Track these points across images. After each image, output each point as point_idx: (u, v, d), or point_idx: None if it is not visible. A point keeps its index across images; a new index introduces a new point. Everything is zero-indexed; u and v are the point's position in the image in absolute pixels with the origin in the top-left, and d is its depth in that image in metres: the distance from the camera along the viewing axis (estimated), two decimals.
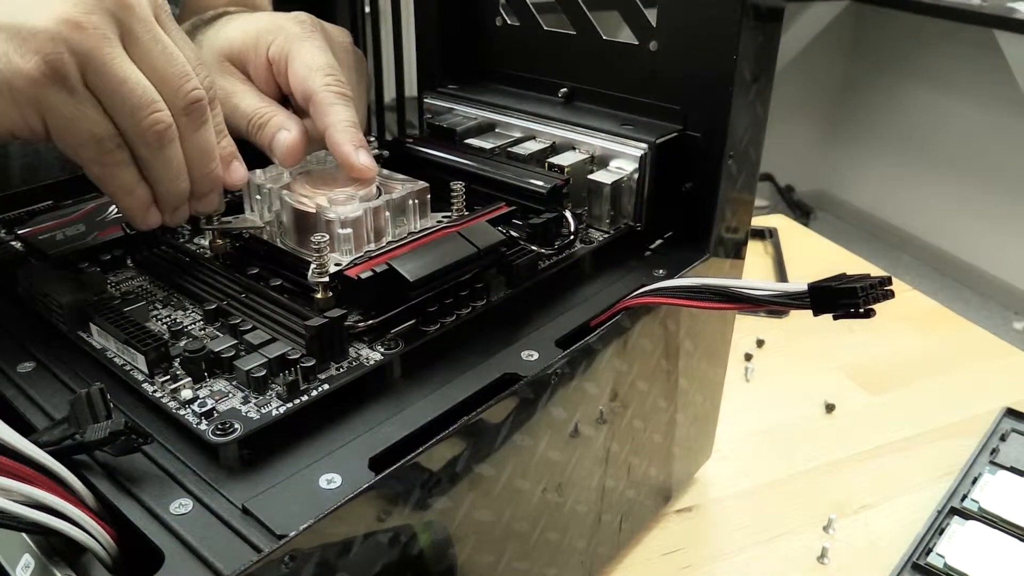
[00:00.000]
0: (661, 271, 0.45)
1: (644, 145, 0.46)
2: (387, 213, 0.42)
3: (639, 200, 0.47)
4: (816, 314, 0.33)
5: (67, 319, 0.37)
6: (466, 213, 0.44)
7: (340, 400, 0.34)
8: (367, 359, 0.36)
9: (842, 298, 0.32)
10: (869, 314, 0.32)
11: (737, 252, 0.50)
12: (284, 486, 0.30)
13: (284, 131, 0.45)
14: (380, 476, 0.29)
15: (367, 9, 0.65)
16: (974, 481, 0.56)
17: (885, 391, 0.71)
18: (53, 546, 0.28)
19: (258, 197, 0.44)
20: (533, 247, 0.43)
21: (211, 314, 0.38)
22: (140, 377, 0.34)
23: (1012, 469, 0.57)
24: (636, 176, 0.47)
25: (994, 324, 2.27)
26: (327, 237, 0.38)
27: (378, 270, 0.37)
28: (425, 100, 0.57)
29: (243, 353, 0.35)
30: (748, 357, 0.74)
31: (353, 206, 0.41)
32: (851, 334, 0.78)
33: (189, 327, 0.38)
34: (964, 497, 0.55)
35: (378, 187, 0.44)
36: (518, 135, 0.52)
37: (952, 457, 0.60)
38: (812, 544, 0.54)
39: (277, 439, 0.32)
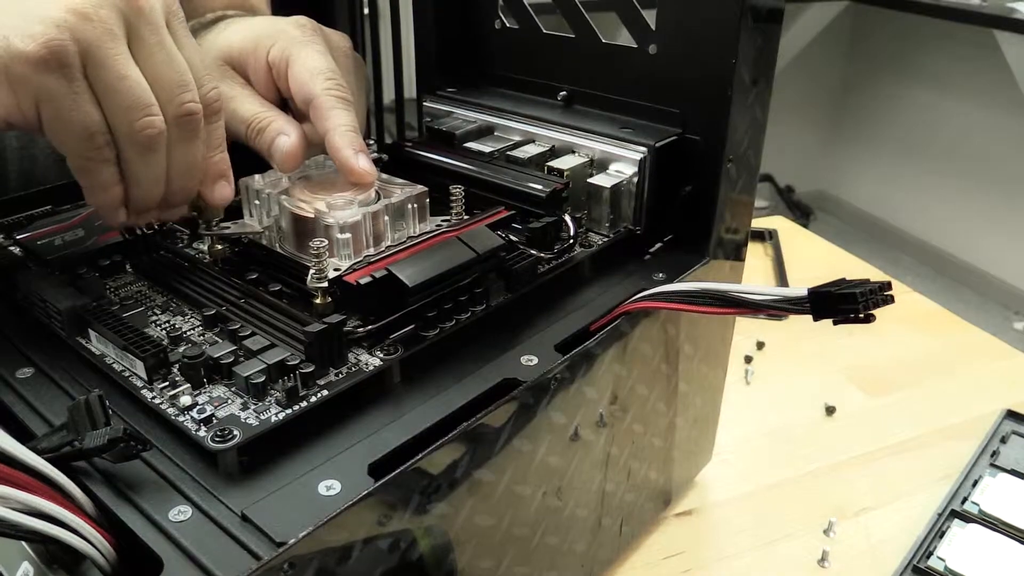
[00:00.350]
0: (661, 275, 0.45)
1: (643, 148, 0.46)
2: (386, 217, 0.42)
3: (639, 203, 0.47)
4: (816, 319, 0.33)
5: (66, 325, 0.37)
6: (465, 217, 0.44)
7: (339, 406, 0.34)
8: (366, 365, 0.36)
9: (842, 303, 0.32)
10: (869, 319, 0.32)
11: (737, 254, 0.50)
12: (283, 493, 0.30)
13: (283, 136, 0.45)
14: (380, 482, 0.29)
15: (366, 12, 0.65)
16: (975, 484, 0.56)
17: (885, 393, 0.71)
18: (52, 554, 0.28)
19: (257, 202, 0.44)
20: (532, 251, 0.43)
21: (210, 320, 0.38)
22: (139, 383, 0.34)
23: (1013, 472, 0.57)
24: (636, 179, 0.47)
25: (994, 324, 2.27)
26: (326, 242, 0.38)
27: (377, 275, 0.37)
28: (424, 103, 0.57)
29: (242, 359, 0.35)
30: (748, 360, 0.74)
31: (352, 211, 0.41)
32: (851, 336, 0.78)
33: (188, 333, 0.38)
34: (965, 500, 0.55)
35: (377, 191, 0.44)
36: (517, 139, 0.52)
37: (952, 459, 0.60)
38: (812, 547, 0.54)
39: (276, 445, 0.32)
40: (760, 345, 0.76)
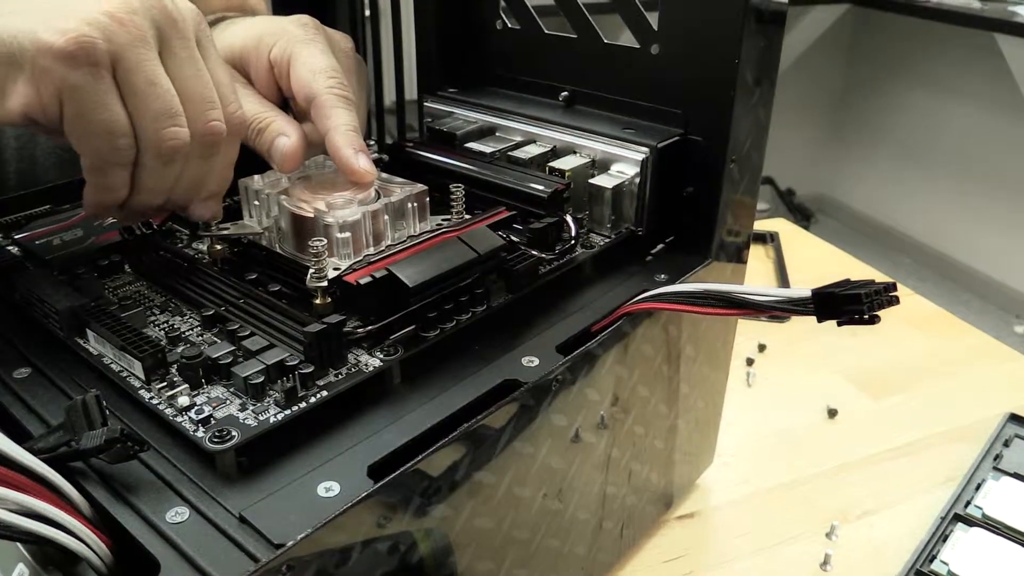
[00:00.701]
0: (663, 276, 0.45)
1: (646, 149, 0.46)
2: (386, 217, 0.42)
3: (640, 204, 0.47)
4: (820, 320, 0.32)
5: (64, 325, 0.37)
6: (466, 216, 0.44)
7: (339, 407, 0.34)
8: (366, 365, 0.35)
9: (846, 304, 0.32)
10: (874, 320, 0.31)
11: (739, 256, 0.50)
12: (282, 494, 0.29)
13: (283, 137, 0.45)
14: (379, 484, 0.29)
15: (367, 13, 0.65)
16: (978, 487, 0.56)
17: (887, 396, 0.70)
18: (47, 555, 0.27)
19: (256, 203, 0.44)
20: (534, 252, 0.42)
21: (209, 320, 0.38)
22: (137, 383, 0.34)
23: (1016, 475, 0.57)
24: (637, 180, 0.46)
25: (995, 328, 2.26)
26: (325, 241, 0.38)
27: (377, 275, 0.37)
28: (425, 104, 0.56)
29: (241, 359, 0.34)
30: (750, 362, 0.74)
31: (351, 210, 0.41)
32: (853, 338, 0.77)
33: (187, 333, 0.38)
34: (968, 503, 0.55)
35: (377, 191, 0.44)
36: (519, 139, 0.52)
37: (955, 463, 0.60)
38: (815, 551, 0.54)
39: (275, 446, 0.32)
40: (762, 347, 0.76)
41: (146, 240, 0.44)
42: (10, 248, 0.45)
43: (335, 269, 0.38)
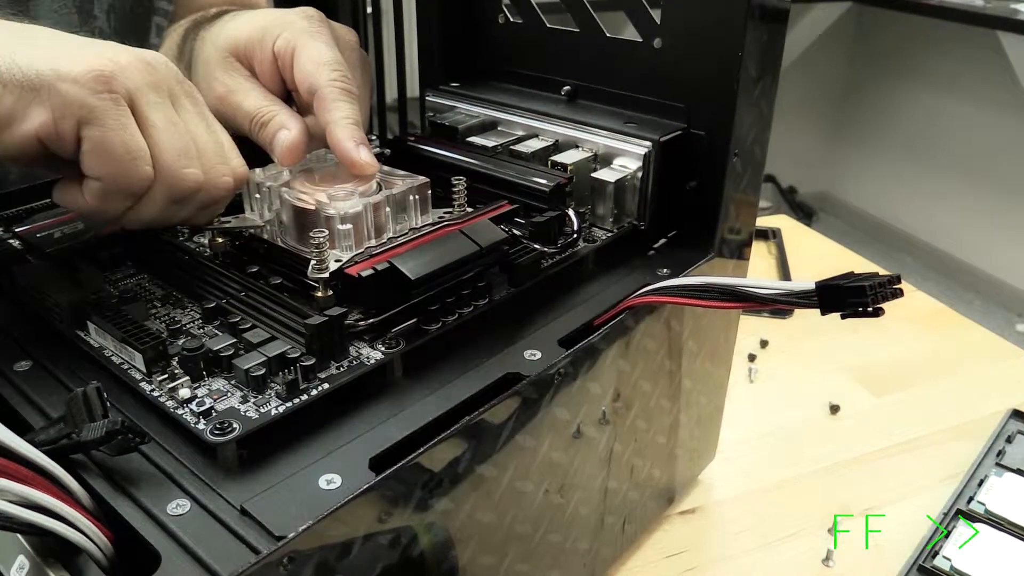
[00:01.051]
0: (665, 270, 0.45)
1: (648, 143, 0.46)
2: (388, 209, 0.42)
3: (643, 199, 0.47)
4: (824, 313, 0.32)
5: (64, 317, 0.37)
6: (468, 209, 0.44)
7: (340, 400, 0.34)
8: (367, 358, 0.35)
9: (850, 296, 0.31)
10: (878, 313, 0.31)
11: (741, 252, 0.50)
12: (283, 487, 0.29)
13: (284, 130, 0.45)
14: (380, 477, 0.29)
15: (368, 9, 0.65)
16: (980, 483, 0.56)
17: (890, 392, 0.70)
18: (48, 547, 0.27)
19: (258, 196, 0.44)
20: (536, 246, 0.42)
21: (210, 312, 0.38)
22: (138, 376, 0.34)
23: (1019, 471, 0.57)
24: (640, 174, 0.46)
25: (997, 326, 2.25)
26: (326, 233, 0.38)
27: (379, 268, 0.37)
28: (427, 98, 0.56)
29: (242, 352, 0.34)
30: (752, 358, 0.74)
31: (353, 202, 0.41)
32: (855, 335, 0.77)
33: (188, 326, 0.38)
34: (970, 499, 0.55)
35: (378, 183, 0.44)
36: (521, 133, 0.52)
37: (958, 459, 0.60)
38: (817, 547, 0.53)
39: (276, 439, 0.31)
40: (764, 343, 0.76)
41: (147, 233, 0.44)
42: (11, 241, 0.45)
43: (336, 261, 0.38)
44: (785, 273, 0.91)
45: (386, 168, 0.45)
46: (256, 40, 0.48)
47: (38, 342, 0.37)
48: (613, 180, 0.47)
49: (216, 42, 0.50)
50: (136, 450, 0.30)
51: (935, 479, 0.59)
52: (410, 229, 0.42)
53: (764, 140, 0.47)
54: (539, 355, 0.37)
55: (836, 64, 2.78)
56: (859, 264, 0.94)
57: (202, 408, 0.32)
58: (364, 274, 0.36)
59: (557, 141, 0.50)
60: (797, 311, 0.78)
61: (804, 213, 2.82)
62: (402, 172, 0.45)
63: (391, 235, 0.42)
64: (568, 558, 0.43)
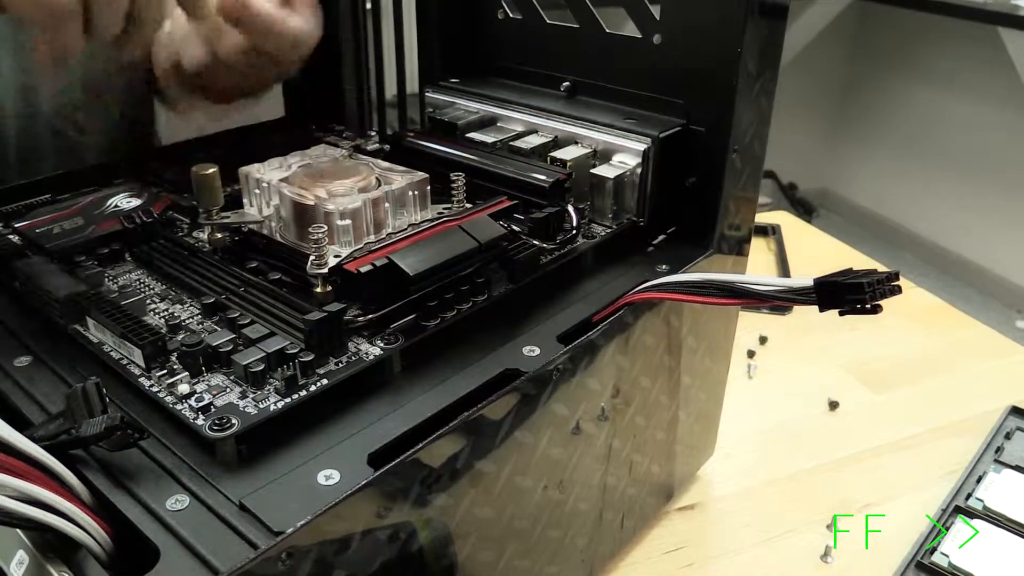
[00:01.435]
0: (664, 267, 0.45)
1: (647, 139, 0.46)
2: (387, 204, 0.42)
3: (642, 195, 0.47)
4: (822, 310, 0.32)
5: (64, 313, 0.37)
6: (467, 205, 0.44)
7: (339, 395, 0.34)
8: (366, 354, 0.35)
9: (848, 293, 0.31)
10: (876, 310, 0.31)
11: (740, 248, 0.50)
12: (282, 482, 0.29)
13: None
14: (379, 472, 0.29)
15: (368, 5, 0.64)
16: (979, 480, 0.56)
17: (889, 389, 0.70)
18: (48, 542, 0.27)
19: (256, 191, 0.44)
20: (535, 242, 0.42)
21: (209, 308, 0.38)
22: (137, 371, 0.34)
23: (1017, 468, 0.57)
24: (639, 171, 0.46)
25: (997, 322, 2.24)
26: (325, 228, 0.38)
27: (378, 264, 0.37)
28: (427, 94, 0.56)
29: (241, 347, 0.34)
30: (751, 354, 0.74)
31: (352, 197, 0.41)
32: (854, 331, 0.77)
33: (187, 321, 0.38)
34: (969, 496, 0.55)
35: (378, 179, 0.44)
36: (520, 129, 0.52)
37: (956, 456, 0.60)
38: (815, 543, 0.54)
39: (275, 434, 0.31)
40: (763, 340, 0.76)
41: (146, 228, 0.44)
42: (11, 236, 0.45)
43: (335, 257, 0.38)
44: (785, 269, 0.91)
45: (385, 164, 0.45)
46: None
47: (37, 337, 0.37)
48: (612, 176, 0.47)
49: None
50: (135, 445, 0.30)
51: (934, 475, 0.59)
52: (409, 225, 0.42)
53: (764, 136, 0.47)
54: (538, 351, 0.37)
55: (836, 60, 2.78)
56: (859, 260, 0.94)
57: (201, 403, 0.32)
58: (363, 270, 0.36)
59: (556, 137, 0.50)
60: (796, 307, 0.78)
61: (804, 209, 2.81)
62: (401, 168, 0.45)
63: (390, 231, 0.42)
64: (567, 554, 0.43)
